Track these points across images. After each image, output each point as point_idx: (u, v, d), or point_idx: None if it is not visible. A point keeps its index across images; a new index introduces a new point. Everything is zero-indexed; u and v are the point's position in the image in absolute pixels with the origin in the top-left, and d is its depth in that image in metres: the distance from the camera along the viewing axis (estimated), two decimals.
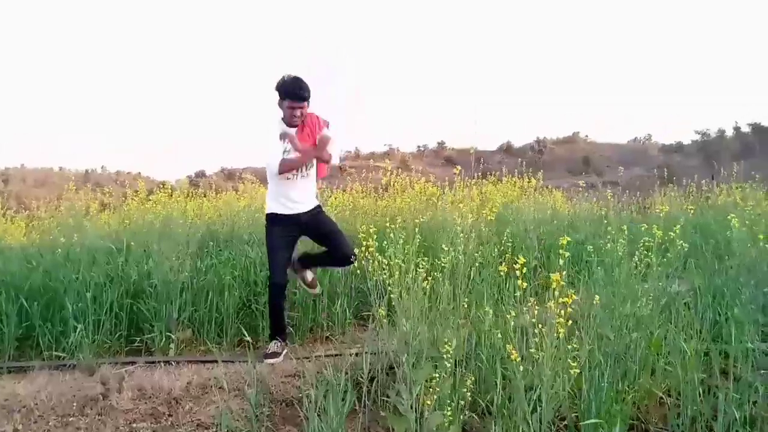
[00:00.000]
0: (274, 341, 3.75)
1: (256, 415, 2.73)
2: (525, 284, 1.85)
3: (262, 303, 4.21)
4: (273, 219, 3.77)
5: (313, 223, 3.81)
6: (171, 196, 5.93)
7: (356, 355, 3.41)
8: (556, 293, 1.80)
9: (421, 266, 2.46)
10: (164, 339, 3.90)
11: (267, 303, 3.88)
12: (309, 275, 4.04)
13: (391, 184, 8.55)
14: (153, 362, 3.66)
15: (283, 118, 3.76)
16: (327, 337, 4.30)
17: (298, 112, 3.68)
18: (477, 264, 2.91)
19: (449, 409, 2.07)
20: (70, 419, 2.88)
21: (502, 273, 2.14)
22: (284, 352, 3.72)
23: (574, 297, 1.77)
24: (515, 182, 7.74)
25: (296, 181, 3.74)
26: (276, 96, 3.75)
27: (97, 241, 5.04)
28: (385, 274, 2.42)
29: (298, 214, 3.75)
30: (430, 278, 2.47)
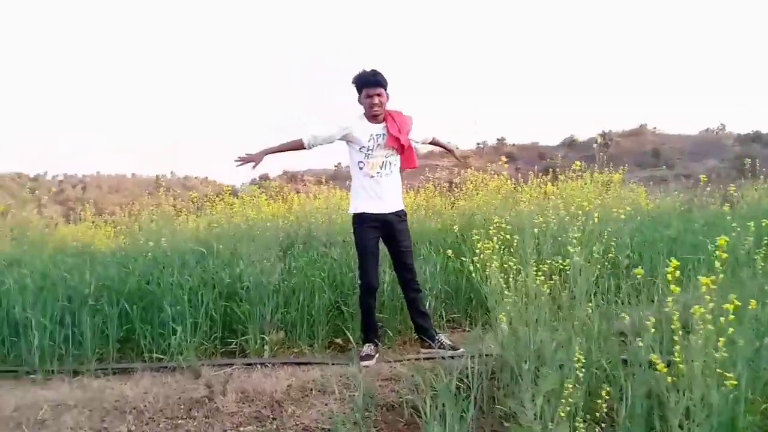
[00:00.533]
0: (367, 344, 3.73)
1: (363, 420, 2.68)
2: (678, 289, 1.70)
3: (351, 305, 4.19)
4: (361, 219, 3.72)
5: (397, 228, 3.75)
6: (253, 199, 6.04)
7: (452, 358, 3.33)
8: (707, 297, 1.65)
9: (539, 269, 2.35)
10: (258, 341, 3.94)
11: (359, 305, 3.84)
12: (444, 339, 3.82)
13: (464, 182, 8.43)
14: (250, 364, 3.70)
15: (364, 113, 3.74)
16: (416, 339, 4.22)
17: (376, 100, 3.63)
18: (599, 266, 2.76)
19: (580, 420, 1.95)
20: (179, 422, 2.93)
21: (639, 276, 1.98)
22: (377, 355, 3.69)
23: (737, 303, 1.62)
24: (596, 178, 7.45)
25: (380, 179, 3.70)
26: (355, 94, 3.74)
27: (185, 245, 5.18)
28: (501, 277, 2.33)
29: (386, 213, 3.70)
30: (550, 281, 2.36)
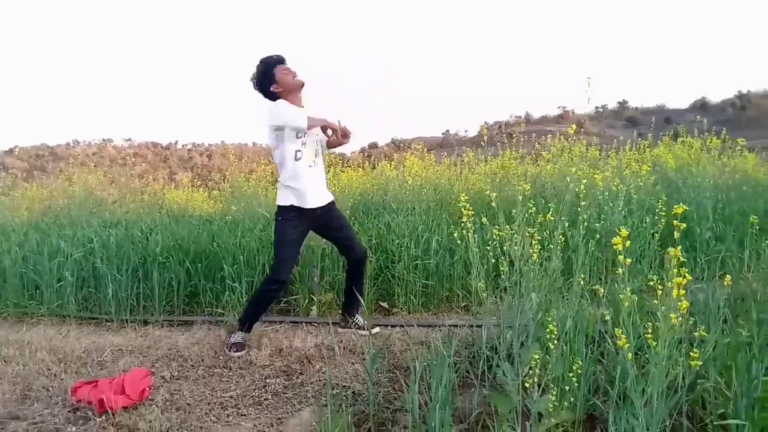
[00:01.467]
0: (240, 332, 3.47)
1: (372, 380, 2.75)
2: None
3: (397, 270, 4.25)
4: (287, 210, 3.35)
5: (326, 218, 3.47)
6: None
7: (475, 326, 3.32)
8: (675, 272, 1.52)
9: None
10: (307, 300, 4.13)
11: (257, 294, 3.50)
12: (360, 320, 3.68)
13: (547, 147, 8.09)
14: (296, 322, 3.90)
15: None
16: (464, 307, 4.22)
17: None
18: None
19: (554, 391, 1.89)
20: (216, 370, 3.18)
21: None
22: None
23: (689, 277, 1.47)
24: (691, 143, 6.84)
25: (313, 170, 3.40)
26: (262, 86, 3.38)
27: (257, 209, 5.49)
28: (515, 243, 2.27)
29: (314, 208, 3.38)
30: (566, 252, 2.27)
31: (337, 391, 2.87)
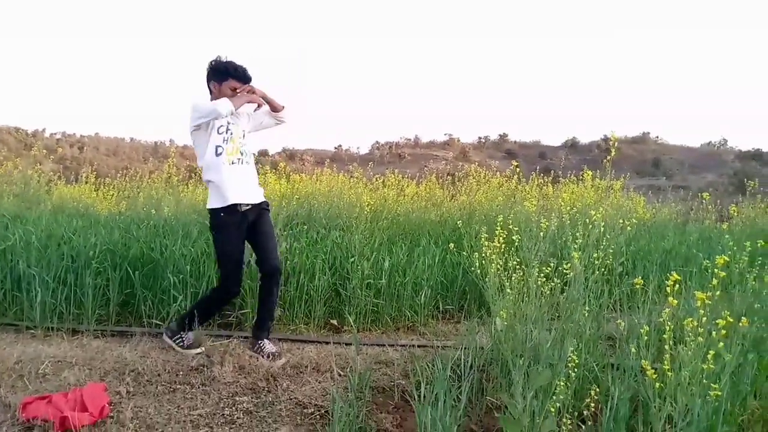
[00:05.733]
0: (191, 332, 3.50)
1: (357, 399, 2.76)
2: (676, 302, 1.77)
3: (350, 288, 4.26)
4: (223, 214, 3.31)
5: (258, 220, 3.43)
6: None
7: (443, 348, 3.44)
8: (701, 311, 1.73)
9: (541, 271, 2.43)
10: (256, 315, 4.01)
11: (203, 301, 3.56)
12: (269, 345, 3.48)
13: (465, 176, 8.51)
14: (247, 337, 3.78)
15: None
16: (409, 327, 4.32)
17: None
18: (598, 272, 2.84)
19: (567, 417, 2.05)
20: (177, 386, 3.00)
21: (638, 285, 2.06)
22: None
23: (730, 320, 1.70)
24: (597, 183, 7.52)
25: (236, 167, 3.34)
26: (206, 78, 3.41)
27: (189, 215, 5.24)
28: (503, 275, 2.41)
29: (250, 207, 3.37)
30: (551, 282, 2.45)
31: (311, 410, 2.85)
